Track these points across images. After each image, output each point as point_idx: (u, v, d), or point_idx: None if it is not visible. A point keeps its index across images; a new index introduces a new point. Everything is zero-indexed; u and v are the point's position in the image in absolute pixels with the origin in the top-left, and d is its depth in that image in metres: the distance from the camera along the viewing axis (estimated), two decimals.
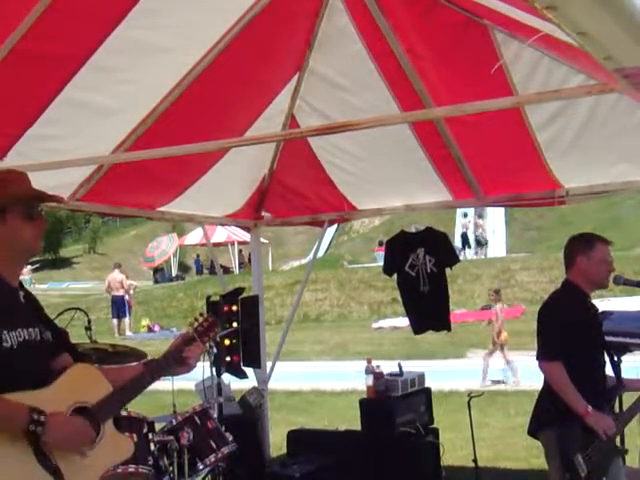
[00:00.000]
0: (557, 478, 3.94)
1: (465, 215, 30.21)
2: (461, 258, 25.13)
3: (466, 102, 3.34)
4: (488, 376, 11.62)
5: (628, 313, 5.10)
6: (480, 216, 29.23)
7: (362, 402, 6.07)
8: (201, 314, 3.06)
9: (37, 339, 2.65)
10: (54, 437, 2.46)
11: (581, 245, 4.10)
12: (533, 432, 4.16)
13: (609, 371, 4.11)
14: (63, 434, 2.49)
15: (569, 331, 3.90)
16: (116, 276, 21.50)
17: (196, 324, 2.99)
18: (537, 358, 4.04)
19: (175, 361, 2.86)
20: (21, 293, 2.70)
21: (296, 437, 6.37)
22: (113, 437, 2.69)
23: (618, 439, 4.00)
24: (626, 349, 4.21)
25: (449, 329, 6.73)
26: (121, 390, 2.75)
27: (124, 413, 3.72)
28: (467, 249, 29.84)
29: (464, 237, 30.24)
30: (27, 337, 2.60)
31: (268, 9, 4.41)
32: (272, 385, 7.36)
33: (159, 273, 35.64)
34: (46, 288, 36.21)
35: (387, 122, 4.25)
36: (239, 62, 4.72)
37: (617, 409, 4.05)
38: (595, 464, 3.80)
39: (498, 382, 11.64)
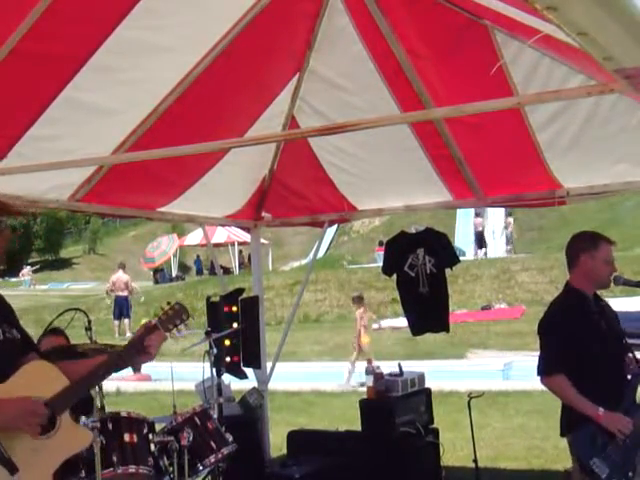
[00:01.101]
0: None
1: (477, 215, 30.15)
2: (477, 257, 24.91)
3: (466, 102, 3.34)
4: (353, 378, 12.19)
5: (628, 314, 5.12)
6: (510, 214, 29.12)
7: (362, 402, 6.07)
8: (168, 303, 3.10)
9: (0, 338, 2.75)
10: (1, 419, 2.54)
11: (586, 244, 4.05)
12: (563, 435, 4.13)
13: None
14: (10, 413, 2.58)
15: (573, 339, 3.88)
16: (121, 276, 21.47)
17: (160, 312, 3.04)
18: (538, 374, 4.02)
19: (136, 350, 2.92)
20: None
21: (296, 438, 6.37)
22: (70, 428, 2.78)
23: None
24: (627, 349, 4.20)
25: (447, 330, 6.72)
26: (78, 383, 2.83)
27: (124, 414, 3.73)
28: (482, 248, 29.84)
29: (478, 236, 30.25)
30: None
31: (268, 9, 4.41)
32: (272, 386, 7.36)
33: (159, 273, 35.61)
34: (46, 289, 36.25)
35: (387, 122, 4.25)
36: (239, 62, 4.72)
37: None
38: (618, 462, 3.77)
39: (362, 384, 12.08)
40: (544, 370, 3.99)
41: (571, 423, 3.95)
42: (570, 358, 3.87)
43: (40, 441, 2.66)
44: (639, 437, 3.86)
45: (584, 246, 4.05)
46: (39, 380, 2.73)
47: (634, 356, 4.07)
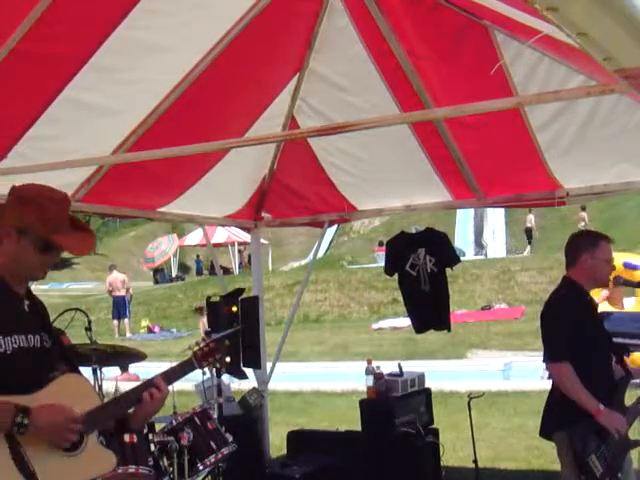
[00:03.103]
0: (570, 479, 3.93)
1: (530, 211, 29.67)
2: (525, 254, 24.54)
3: (466, 103, 3.34)
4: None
5: (627, 314, 5.13)
6: (583, 209, 28.55)
7: (362, 402, 6.07)
8: (203, 338, 3.03)
9: (36, 346, 2.66)
10: (38, 425, 2.45)
11: (586, 243, 4.06)
12: (546, 434, 4.11)
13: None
14: (47, 419, 2.48)
15: (574, 330, 3.88)
16: (117, 276, 21.47)
17: (196, 348, 2.96)
18: (544, 360, 4.00)
19: (169, 381, 2.87)
20: (26, 302, 2.70)
21: (296, 438, 6.36)
22: (95, 450, 2.67)
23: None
24: (625, 350, 4.22)
25: (449, 329, 6.73)
26: (110, 403, 2.76)
27: None
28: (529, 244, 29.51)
29: (528, 232, 30.01)
30: (24, 344, 2.60)
31: (268, 9, 4.41)
32: (272, 386, 7.36)
33: (159, 274, 35.65)
34: (46, 289, 36.16)
35: (387, 123, 4.24)
36: (239, 62, 4.72)
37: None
38: (610, 461, 3.78)
39: None
40: (551, 356, 3.95)
41: (568, 419, 3.91)
42: (572, 346, 3.86)
43: (65, 459, 2.56)
44: (625, 438, 3.88)
45: (584, 246, 4.05)
46: (72, 395, 2.62)
47: (623, 360, 4.07)
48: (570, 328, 3.89)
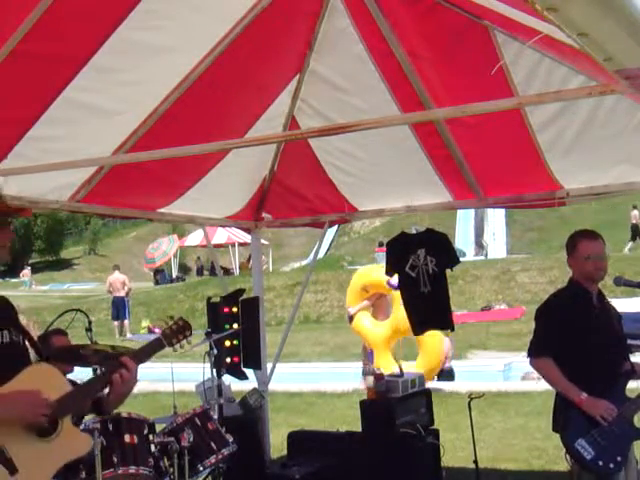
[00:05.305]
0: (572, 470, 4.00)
1: (635, 207, 29.09)
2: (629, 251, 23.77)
3: (467, 103, 3.34)
4: None
5: (629, 314, 5.13)
6: (635, 207, 28.13)
7: (362, 403, 6.07)
8: (172, 317, 3.16)
9: (5, 341, 2.76)
10: (7, 408, 2.55)
11: (568, 246, 4.23)
12: (554, 430, 4.21)
13: None
14: (17, 405, 2.57)
15: (565, 327, 3.99)
16: (118, 277, 21.46)
17: (164, 326, 3.10)
18: (527, 356, 4.16)
19: (138, 361, 2.97)
20: None
21: (296, 438, 6.36)
22: (71, 433, 2.78)
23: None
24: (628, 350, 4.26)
25: (452, 329, 6.71)
26: (81, 387, 2.87)
27: (124, 415, 3.72)
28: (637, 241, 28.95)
29: (634, 229, 29.49)
30: None
31: (268, 10, 4.41)
32: (272, 386, 7.35)
33: (160, 274, 35.65)
34: (47, 289, 36.27)
35: (387, 123, 4.24)
36: (240, 63, 4.72)
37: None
38: (604, 445, 3.83)
39: None
40: (532, 352, 4.14)
41: (561, 411, 4.03)
42: (565, 344, 3.98)
43: (41, 444, 2.66)
44: (627, 426, 3.93)
45: (567, 248, 4.24)
46: (42, 383, 2.72)
47: (628, 359, 4.13)
48: (561, 325, 4.01)
